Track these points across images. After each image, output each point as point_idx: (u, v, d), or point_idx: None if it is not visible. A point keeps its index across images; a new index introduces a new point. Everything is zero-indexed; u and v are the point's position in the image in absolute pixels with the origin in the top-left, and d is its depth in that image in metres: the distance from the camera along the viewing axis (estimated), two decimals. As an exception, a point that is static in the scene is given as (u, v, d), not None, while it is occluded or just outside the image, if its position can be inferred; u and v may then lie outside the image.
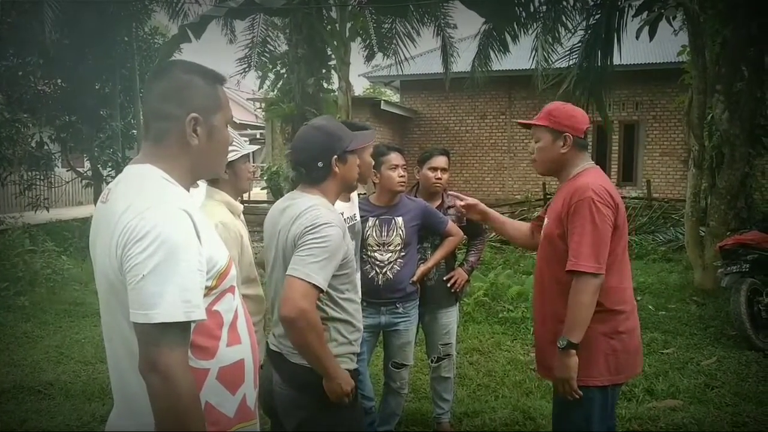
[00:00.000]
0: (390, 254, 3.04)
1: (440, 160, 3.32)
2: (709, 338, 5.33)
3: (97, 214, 1.39)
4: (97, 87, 11.95)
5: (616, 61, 7.84)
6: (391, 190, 3.06)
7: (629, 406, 3.86)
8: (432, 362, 3.35)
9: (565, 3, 8.33)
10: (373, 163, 3.01)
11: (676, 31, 8.26)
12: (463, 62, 10.73)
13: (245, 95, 23.23)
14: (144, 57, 12.26)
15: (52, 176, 11.81)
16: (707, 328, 5.60)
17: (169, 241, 1.22)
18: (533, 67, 9.25)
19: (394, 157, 3.08)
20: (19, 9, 9.59)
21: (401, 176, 3.06)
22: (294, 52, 10.17)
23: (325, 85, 10.59)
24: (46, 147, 11.23)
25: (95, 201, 12.48)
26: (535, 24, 8.76)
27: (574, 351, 2.10)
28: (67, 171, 12.66)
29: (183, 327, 1.22)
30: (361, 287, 3.03)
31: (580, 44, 7.88)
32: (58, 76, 11.26)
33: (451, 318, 3.36)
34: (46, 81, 11.34)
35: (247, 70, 11.36)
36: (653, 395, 4.08)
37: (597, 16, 7.64)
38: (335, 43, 8.44)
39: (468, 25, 12.47)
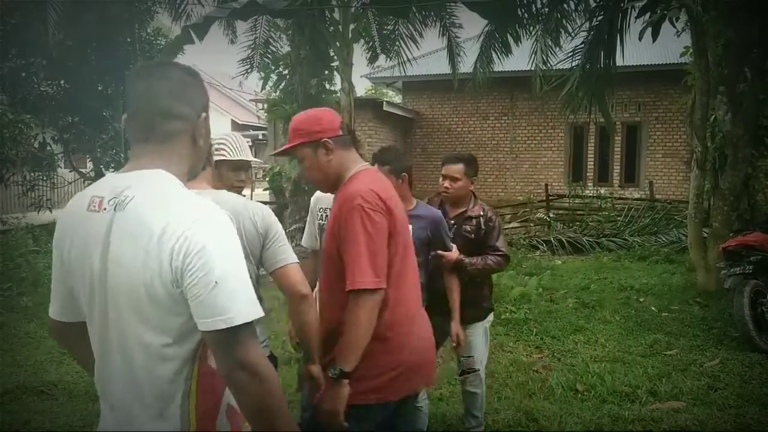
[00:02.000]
0: None
1: (448, 168, 3.22)
2: (712, 340, 5.32)
3: (109, 221, 1.28)
4: (99, 88, 11.98)
5: (618, 62, 7.84)
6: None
7: (632, 408, 3.86)
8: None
9: (567, 5, 8.33)
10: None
11: (678, 32, 8.23)
12: (465, 64, 10.74)
13: (248, 96, 23.24)
14: (147, 58, 12.27)
15: (55, 177, 11.84)
16: (710, 330, 5.59)
17: (229, 248, 1.27)
18: (532, 68, 9.25)
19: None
20: (23, 10, 9.62)
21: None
22: (296, 54, 10.19)
23: (328, 86, 10.60)
24: (49, 148, 11.25)
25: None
26: (536, 26, 8.76)
27: (346, 381, 1.88)
28: (70, 172, 12.68)
29: (252, 324, 1.27)
30: None
31: (583, 45, 7.88)
32: (61, 77, 11.29)
33: (470, 331, 3.19)
34: (49, 82, 11.37)
35: (249, 71, 11.37)
36: (656, 397, 4.08)
37: (600, 18, 7.64)
38: (338, 44, 8.45)
39: (470, 27, 12.46)
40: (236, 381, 1.25)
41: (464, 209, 3.22)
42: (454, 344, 3.08)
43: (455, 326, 3.05)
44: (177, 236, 1.23)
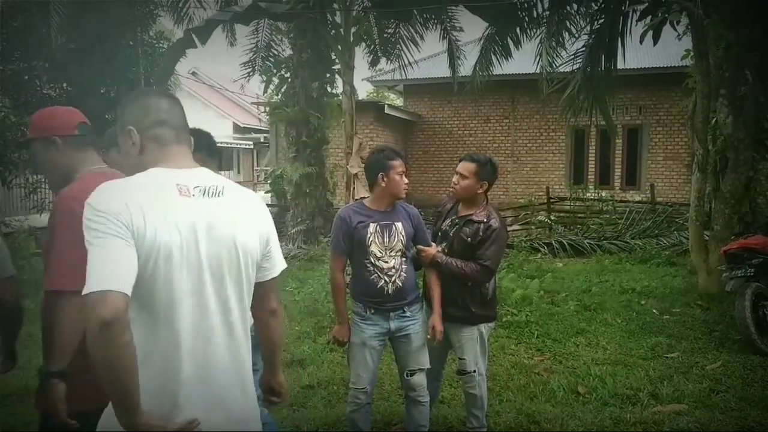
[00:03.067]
0: (394, 260, 2.98)
1: (460, 165, 3.22)
2: (713, 342, 5.31)
3: (214, 204, 1.58)
4: (102, 91, 11.99)
5: (619, 65, 7.85)
6: (396, 196, 3.03)
7: (633, 411, 3.85)
8: (407, 375, 3.14)
9: (569, 8, 8.34)
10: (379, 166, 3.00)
11: (679, 35, 8.25)
12: (466, 67, 10.75)
13: (249, 99, 23.28)
14: (149, 61, 12.29)
15: (57, 180, 11.83)
16: (712, 333, 5.58)
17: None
18: (537, 71, 9.26)
19: (402, 164, 3.04)
20: (25, 13, 9.65)
21: (406, 183, 3.04)
22: (298, 57, 10.22)
23: (329, 89, 10.64)
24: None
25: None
26: (538, 29, 8.78)
27: (57, 380, 1.81)
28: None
29: None
30: (369, 297, 3.02)
31: (584, 48, 7.89)
32: (64, 80, 11.30)
33: (462, 334, 3.22)
34: (51, 85, 11.38)
35: (251, 74, 11.41)
36: (658, 400, 4.07)
37: (601, 21, 7.66)
38: (339, 47, 8.48)
39: (471, 30, 12.48)
40: (278, 316, 1.84)
41: (473, 212, 3.20)
42: (428, 336, 3.08)
43: (432, 319, 3.09)
44: (263, 212, 1.72)
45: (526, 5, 8.38)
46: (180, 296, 1.49)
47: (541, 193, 13.73)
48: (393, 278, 2.97)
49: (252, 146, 28.83)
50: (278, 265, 1.79)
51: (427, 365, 3.14)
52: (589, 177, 14.98)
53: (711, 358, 4.91)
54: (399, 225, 3.00)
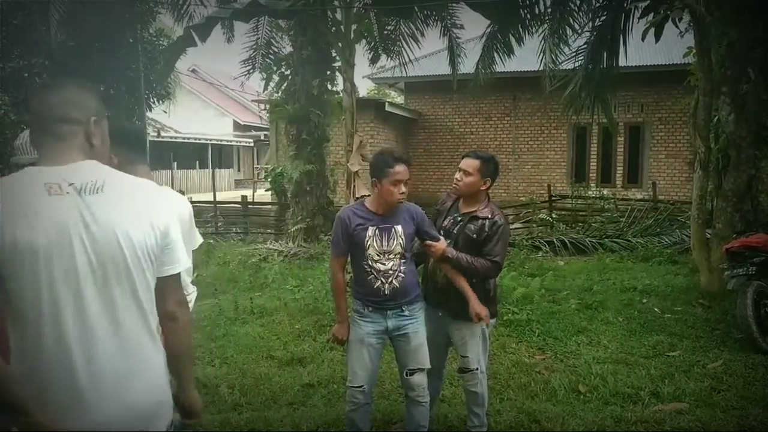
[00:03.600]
0: (392, 263, 2.97)
1: (464, 162, 3.19)
2: (715, 341, 5.30)
3: (92, 201, 1.51)
4: (102, 89, 11.98)
5: (621, 62, 7.82)
6: (389, 204, 2.98)
7: (635, 409, 3.85)
8: (406, 375, 3.11)
9: (570, 5, 8.31)
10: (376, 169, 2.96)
11: (681, 32, 8.22)
12: (467, 64, 10.72)
13: (250, 97, 23.27)
14: (149, 59, 12.28)
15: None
16: (713, 331, 5.57)
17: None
18: (540, 68, 9.22)
19: (401, 172, 2.93)
20: (25, 10, 9.63)
21: (402, 193, 2.95)
22: (299, 54, 10.20)
23: (330, 86, 10.60)
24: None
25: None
26: (540, 26, 8.74)
27: None
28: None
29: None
30: (367, 296, 3.01)
31: (585, 46, 7.86)
32: (64, 78, 11.30)
33: (465, 331, 3.20)
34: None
35: (251, 71, 11.38)
36: (659, 398, 4.07)
37: (603, 18, 7.62)
38: (340, 44, 8.45)
39: (472, 28, 12.46)
40: (177, 317, 1.69)
41: (475, 209, 3.19)
42: (476, 321, 3.05)
43: (472, 306, 3.02)
44: (156, 204, 1.61)
45: (527, 2, 8.35)
46: (56, 298, 1.45)
47: (542, 191, 13.70)
48: (390, 279, 2.96)
49: (252, 144, 28.83)
50: (179, 261, 1.66)
51: (428, 365, 3.12)
52: (591, 175, 14.96)
53: (712, 356, 4.90)
54: (398, 228, 2.98)
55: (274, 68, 10.90)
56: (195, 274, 3.27)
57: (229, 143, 29.12)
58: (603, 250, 9.88)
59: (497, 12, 8.32)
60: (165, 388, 1.65)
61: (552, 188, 13.31)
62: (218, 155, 28.47)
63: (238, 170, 30.71)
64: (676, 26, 7.00)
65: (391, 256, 2.97)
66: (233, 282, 7.86)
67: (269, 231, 12.29)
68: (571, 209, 12.65)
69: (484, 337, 3.27)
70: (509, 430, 3.56)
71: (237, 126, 29.78)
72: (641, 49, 10.76)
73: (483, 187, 3.20)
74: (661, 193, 13.38)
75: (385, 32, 10.64)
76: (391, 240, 2.96)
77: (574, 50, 8.26)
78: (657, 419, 3.66)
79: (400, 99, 18.50)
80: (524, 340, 5.36)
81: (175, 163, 24.11)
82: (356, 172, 8.26)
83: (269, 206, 13.02)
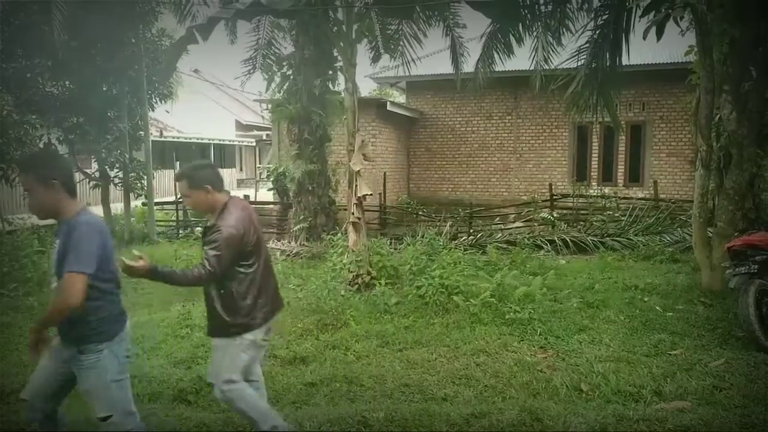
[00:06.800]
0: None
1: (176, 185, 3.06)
2: (717, 339, 5.31)
3: None
4: (104, 89, 12.01)
5: (623, 61, 7.82)
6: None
7: (637, 408, 3.85)
8: None
9: (570, 4, 8.31)
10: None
11: (683, 31, 8.21)
12: (469, 64, 10.72)
13: (252, 96, 23.28)
14: (151, 59, 12.31)
15: (60, 177, 11.86)
16: (715, 330, 5.57)
17: None
18: (531, 68, 9.24)
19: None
20: (27, 11, 9.65)
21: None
22: (300, 54, 10.21)
23: (331, 86, 10.62)
24: (54, 148, 11.31)
25: (103, 202, 12.56)
26: (537, 24, 8.74)
27: None
28: (75, 172, 12.72)
29: None
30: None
31: (588, 45, 7.86)
32: (66, 78, 11.32)
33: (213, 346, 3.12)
34: (54, 83, 11.40)
35: (252, 71, 11.38)
36: (661, 396, 4.07)
37: (605, 17, 7.61)
38: (341, 44, 8.45)
39: (474, 27, 12.46)
40: None
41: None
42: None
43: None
44: None
45: (528, 1, 8.35)
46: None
47: (544, 190, 13.70)
48: None
49: (254, 144, 28.85)
50: None
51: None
52: (592, 174, 14.95)
53: (714, 355, 4.90)
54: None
55: (276, 68, 10.91)
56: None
57: (232, 143, 29.12)
58: (604, 249, 9.88)
59: (498, 11, 8.31)
60: None
61: (553, 187, 13.30)
62: (220, 155, 28.50)
63: (241, 170, 30.73)
64: (678, 25, 7.00)
65: None
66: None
67: (271, 230, 12.30)
68: (572, 208, 12.65)
69: (227, 352, 3.08)
70: (511, 428, 3.56)
71: (239, 126, 29.79)
72: (643, 48, 10.73)
73: (210, 198, 3.06)
74: (662, 192, 13.38)
75: (387, 32, 10.63)
76: None
77: (576, 49, 8.26)
78: (659, 418, 3.66)
79: (401, 98, 18.50)
80: (526, 338, 5.36)
81: (178, 162, 24.12)
82: (358, 171, 8.26)
83: (271, 206, 13.04)
